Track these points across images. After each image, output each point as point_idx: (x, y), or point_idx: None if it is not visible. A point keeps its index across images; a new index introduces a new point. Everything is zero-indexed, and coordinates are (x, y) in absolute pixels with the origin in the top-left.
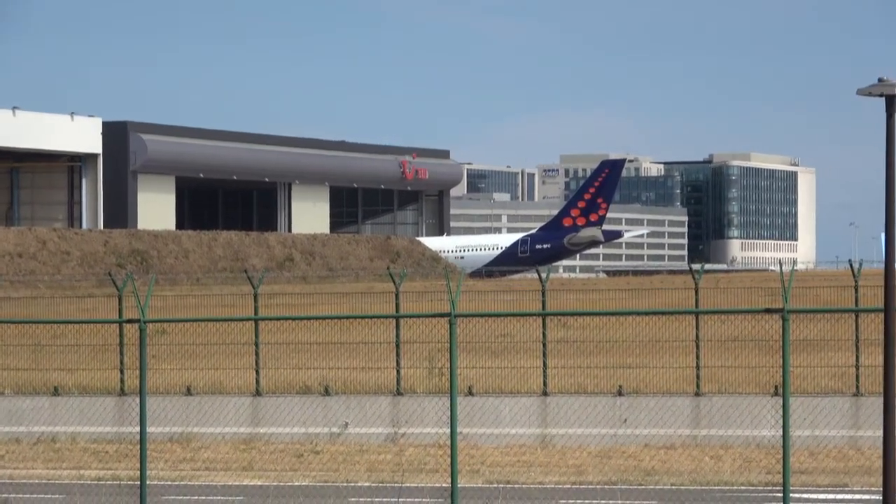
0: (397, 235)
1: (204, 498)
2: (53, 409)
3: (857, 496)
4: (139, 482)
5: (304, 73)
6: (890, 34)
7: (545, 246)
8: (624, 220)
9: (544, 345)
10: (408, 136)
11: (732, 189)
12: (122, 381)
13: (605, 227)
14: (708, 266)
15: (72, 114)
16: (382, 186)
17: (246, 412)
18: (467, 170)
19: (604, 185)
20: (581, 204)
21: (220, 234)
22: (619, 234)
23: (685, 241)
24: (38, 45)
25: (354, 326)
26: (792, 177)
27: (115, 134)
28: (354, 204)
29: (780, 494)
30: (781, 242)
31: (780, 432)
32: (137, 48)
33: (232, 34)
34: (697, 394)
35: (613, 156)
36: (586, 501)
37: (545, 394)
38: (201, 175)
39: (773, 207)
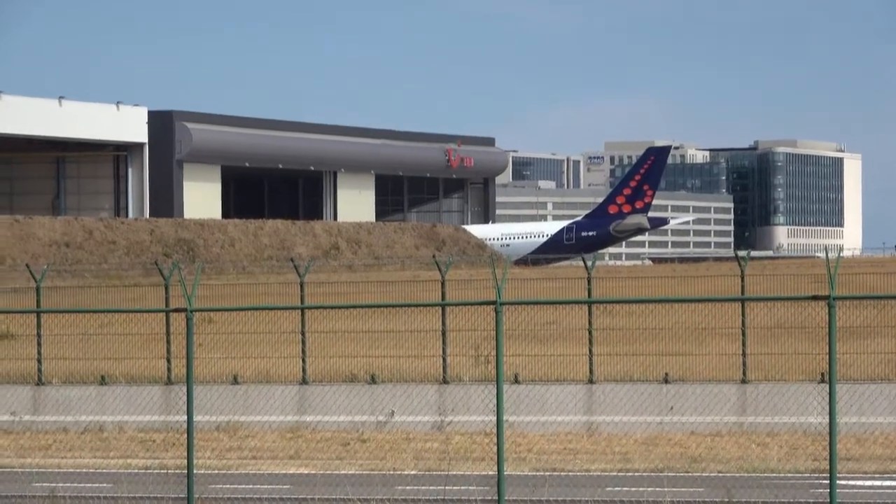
0: (443, 223)
1: (251, 486)
2: (101, 399)
3: None
4: (186, 471)
5: (350, 60)
6: None
7: (591, 233)
8: (670, 208)
9: (590, 332)
10: (453, 124)
11: (778, 175)
12: (168, 370)
13: (651, 214)
14: (754, 253)
15: (118, 103)
16: (428, 174)
17: (292, 401)
18: (512, 157)
19: (649, 172)
20: (627, 191)
21: (265, 223)
22: (664, 222)
23: (731, 227)
24: (84, 34)
25: (400, 315)
26: (838, 163)
27: (160, 123)
28: (400, 192)
29: (827, 481)
30: (827, 229)
31: (827, 419)
32: (183, 37)
33: (278, 22)
34: (744, 381)
35: (659, 143)
36: (633, 489)
37: (591, 381)
38: (247, 164)
39: (819, 194)
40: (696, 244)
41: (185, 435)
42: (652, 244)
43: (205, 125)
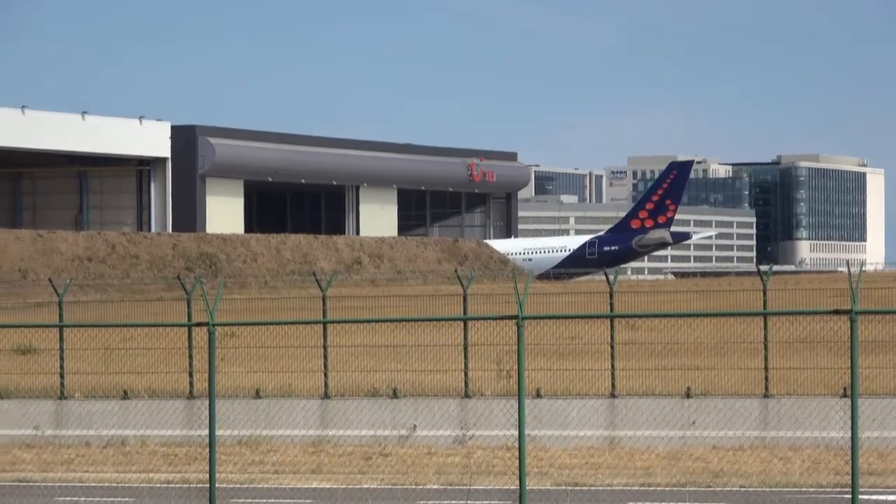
0: (465, 238)
1: (273, 501)
2: (123, 413)
3: None
4: (208, 485)
5: (373, 75)
6: None
7: (613, 248)
8: (692, 222)
9: (612, 347)
10: (475, 139)
11: (801, 190)
12: (191, 384)
13: (674, 228)
14: (776, 267)
15: (140, 118)
16: (450, 189)
17: (314, 415)
18: (535, 172)
19: (672, 186)
20: (649, 206)
21: (288, 238)
22: (687, 236)
23: (753, 242)
24: (107, 49)
25: (422, 329)
26: (861, 177)
27: (183, 138)
28: (422, 206)
29: (850, 496)
30: (850, 243)
31: (849, 434)
32: (206, 52)
33: (299, 37)
34: (766, 395)
35: (681, 157)
36: (655, 503)
37: (613, 396)
38: (269, 178)
39: (842, 208)
40: (719, 259)
41: (208, 449)
42: (674, 259)
43: (228, 140)
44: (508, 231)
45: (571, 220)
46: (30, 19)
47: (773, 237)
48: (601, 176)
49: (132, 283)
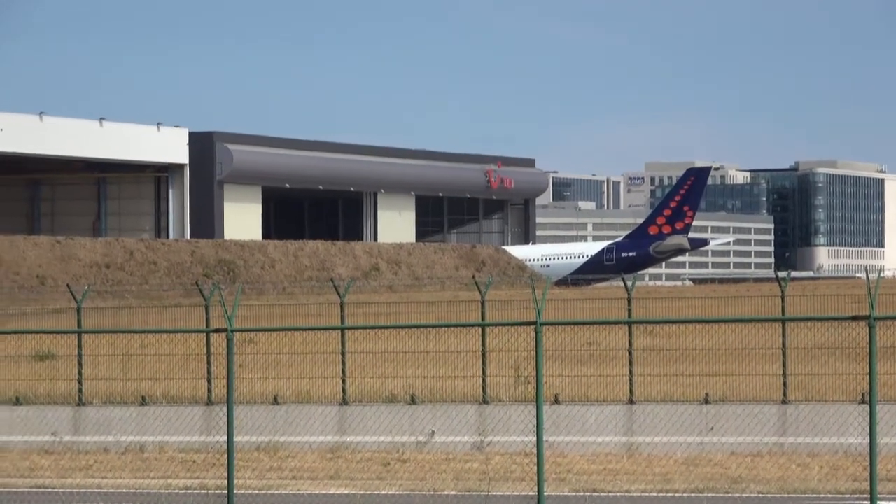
0: (483, 244)
1: None
2: (141, 419)
3: None
4: (227, 491)
5: (390, 81)
6: None
7: (631, 254)
8: (710, 228)
9: (630, 353)
10: (493, 145)
11: (819, 196)
12: (209, 390)
13: (691, 234)
14: (794, 274)
15: (158, 124)
16: (468, 195)
17: (332, 421)
18: (552, 178)
19: (690, 192)
20: (667, 212)
21: (306, 244)
22: (705, 242)
23: (771, 248)
24: (124, 56)
25: (440, 335)
26: (879, 184)
27: (201, 144)
28: (440, 213)
29: (868, 502)
30: (868, 249)
31: (868, 440)
32: (224, 59)
33: (318, 44)
34: (784, 401)
35: (699, 163)
36: None
37: (631, 402)
38: (287, 185)
39: (860, 214)
40: (737, 265)
41: (226, 455)
42: (692, 265)
43: (245, 146)
44: (526, 237)
45: (589, 227)
46: (48, 26)
47: (791, 243)
48: (619, 182)
49: (150, 290)
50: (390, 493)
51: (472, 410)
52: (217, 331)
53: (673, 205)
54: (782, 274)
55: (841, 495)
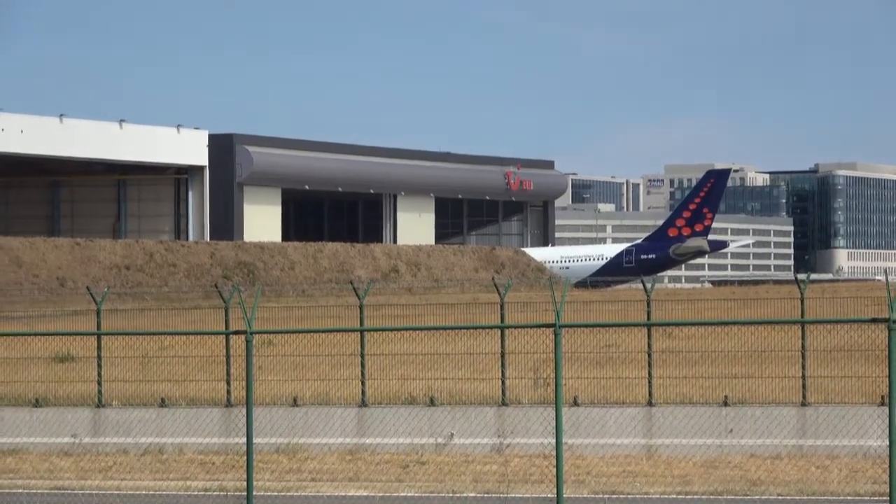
0: (502, 246)
1: None
2: (161, 421)
3: None
4: (246, 493)
5: (409, 84)
6: None
7: (650, 256)
8: (729, 230)
9: (650, 355)
10: (512, 147)
11: (838, 198)
12: (228, 392)
13: (711, 237)
14: (814, 276)
15: (178, 126)
16: (487, 197)
17: (352, 423)
18: (572, 180)
19: (709, 195)
20: (686, 214)
21: (325, 246)
22: (724, 245)
23: (791, 250)
24: (145, 58)
25: (459, 337)
26: None
27: (221, 146)
28: (459, 215)
29: None
30: (888, 252)
31: (888, 442)
32: (243, 61)
33: (337, 46)
34: (804, 404)
35: (719, 166)
36: None
37: (650, 404)
38: (307, 187)
39: (880, 216)
40: (756, 267)
41: (245, 457)
42: (711, 267)
43: (265, 148)
44: (545, 239)
45: (608, 229)
46: (69, 29)
47: (811, 246)
48: (638, 184)
49: (170, 292)
50: (409, 494)
51: (492, 412)
52: (236, 332)
53: (692, 207)
54: (802, 276)
55: (860, 498)
